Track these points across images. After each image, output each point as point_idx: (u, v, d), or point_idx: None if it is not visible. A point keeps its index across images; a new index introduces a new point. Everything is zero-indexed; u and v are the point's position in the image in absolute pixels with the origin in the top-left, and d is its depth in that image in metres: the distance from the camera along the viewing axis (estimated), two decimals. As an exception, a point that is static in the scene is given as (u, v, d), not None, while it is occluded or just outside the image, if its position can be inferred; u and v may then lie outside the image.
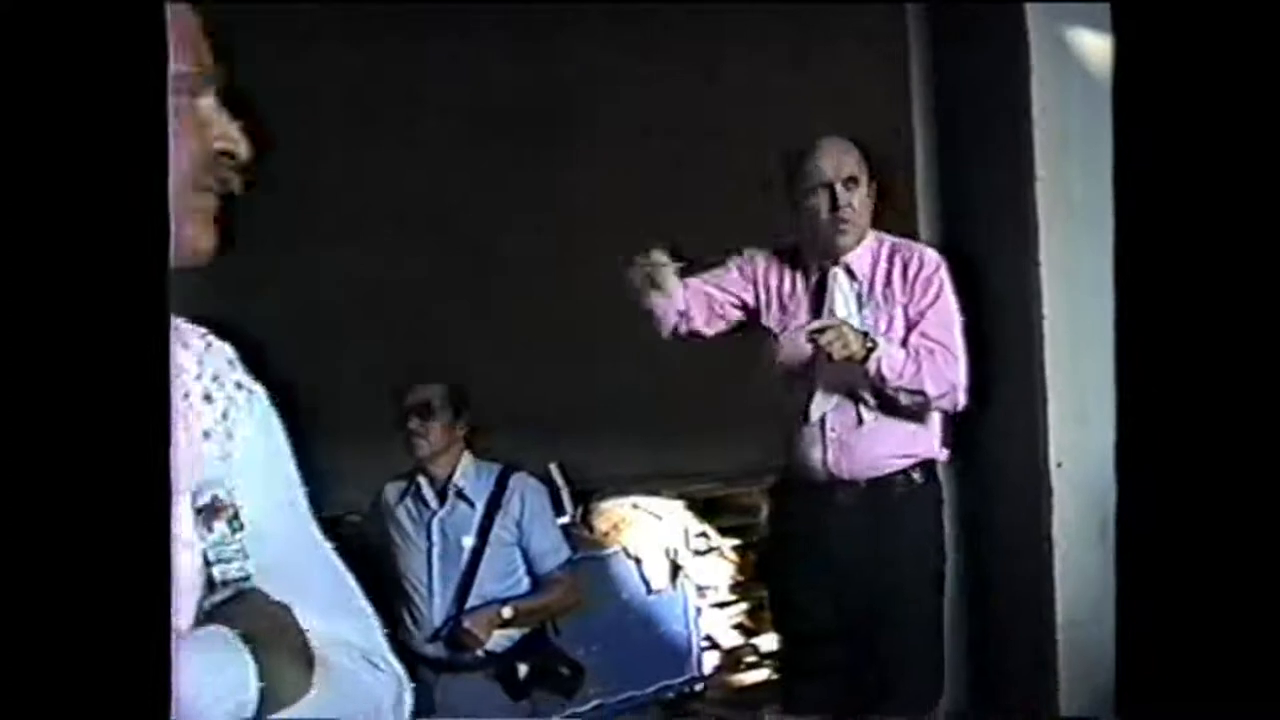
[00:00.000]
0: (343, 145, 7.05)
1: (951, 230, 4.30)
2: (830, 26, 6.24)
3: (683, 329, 3.95)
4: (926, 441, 3.90)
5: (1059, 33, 4.10)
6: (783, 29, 6.57)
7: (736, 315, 4.02)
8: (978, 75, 4.25)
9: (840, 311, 3.86)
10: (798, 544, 3.99)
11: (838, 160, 3.86)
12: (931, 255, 3.90)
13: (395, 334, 6.68)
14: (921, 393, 3.75)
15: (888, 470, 3.85)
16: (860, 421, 3.84)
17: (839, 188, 3.84)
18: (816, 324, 3.75)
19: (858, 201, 3.85)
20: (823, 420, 3.86)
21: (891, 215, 4.00)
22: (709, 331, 3.98)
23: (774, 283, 4.01)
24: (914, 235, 4.17)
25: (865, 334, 3.72)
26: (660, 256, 3.79)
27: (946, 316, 3.82)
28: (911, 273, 3.85)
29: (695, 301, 3.94)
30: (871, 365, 3.70)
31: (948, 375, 3.77)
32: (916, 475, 3.88)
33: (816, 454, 3.87)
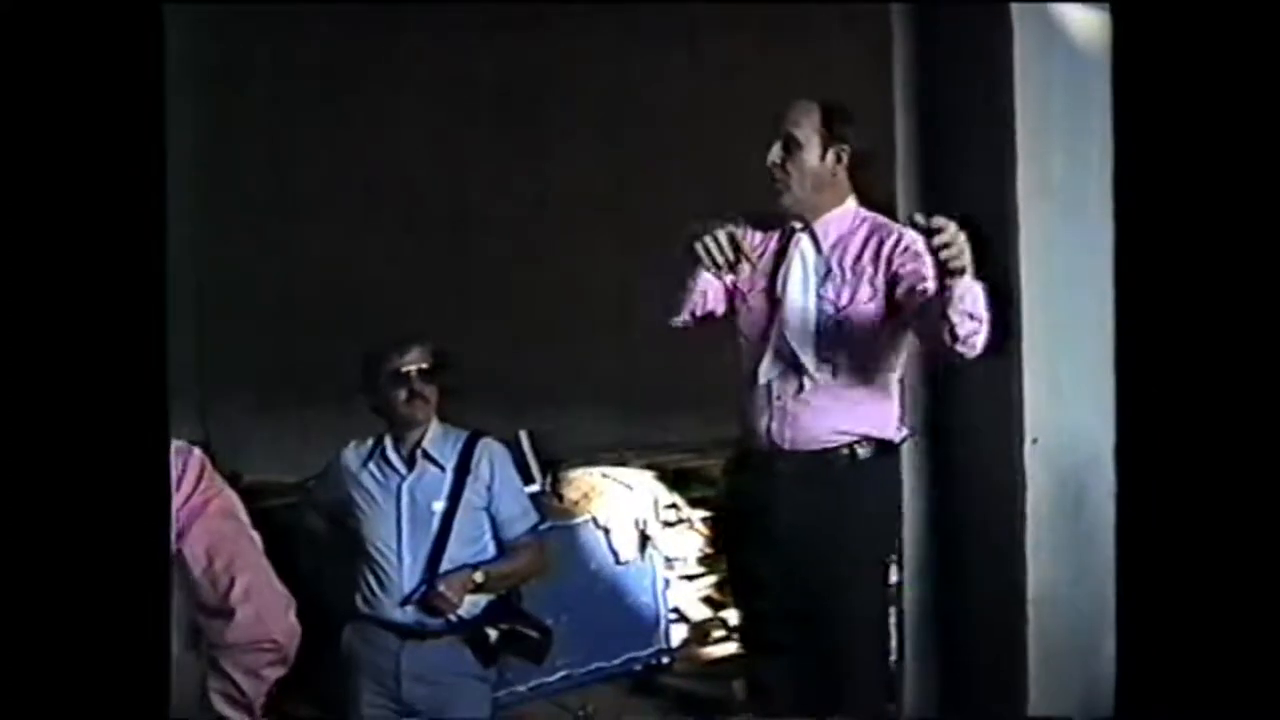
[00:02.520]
0: (323, 123, 7.03)
1: (930, 209, 4.27)
2: (814, 9, 6.21)
3: (699, 310, 3.92)
4: (878, 418, 3.85)
5: (1043, 16, 4.09)
6: (766, 11, 6.54)
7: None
8: (961, 57, 4.23)
9: (796, 277, 3.84)
10: (748, 518, 3.97)
11: (786, 118, 3.85)
12: (913, 235, 3.80)
13: (369, 304, 6.66)
14: (979, 318, 3.57)
15: (830, 444, 3.80)
16: (801, 389, 3.80)
17: (776, 145, 3.84)
18: (937, 221, 3.42)
19: (792, 163, 3.82)
20: (769, 386, 3.83)
21: (873, 189, 3.98)
22: (720, 310, 3.95)
23: (753, 242, 3.97)
24: (893, 213, 4.14)
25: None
26: (735, 230, 3.69)
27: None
28: (888, 249, 3.80)
29: (711, 282, 3.91)
30: (966, 279, 3.46)
31: (984, 303, 3.58)
32: (863, 451, 3.82)
33: (762, 422, 3.85)
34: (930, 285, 3.61)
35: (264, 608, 2.68)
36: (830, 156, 3.84)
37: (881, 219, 3.91)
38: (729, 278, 3.85)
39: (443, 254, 7.06)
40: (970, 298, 3.55)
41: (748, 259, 3.71)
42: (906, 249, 3.77)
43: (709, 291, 3.90)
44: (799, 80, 5.93)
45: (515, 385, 6.34)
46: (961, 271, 3.47)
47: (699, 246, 3.65)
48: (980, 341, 3.65)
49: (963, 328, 3.58)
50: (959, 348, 3.63)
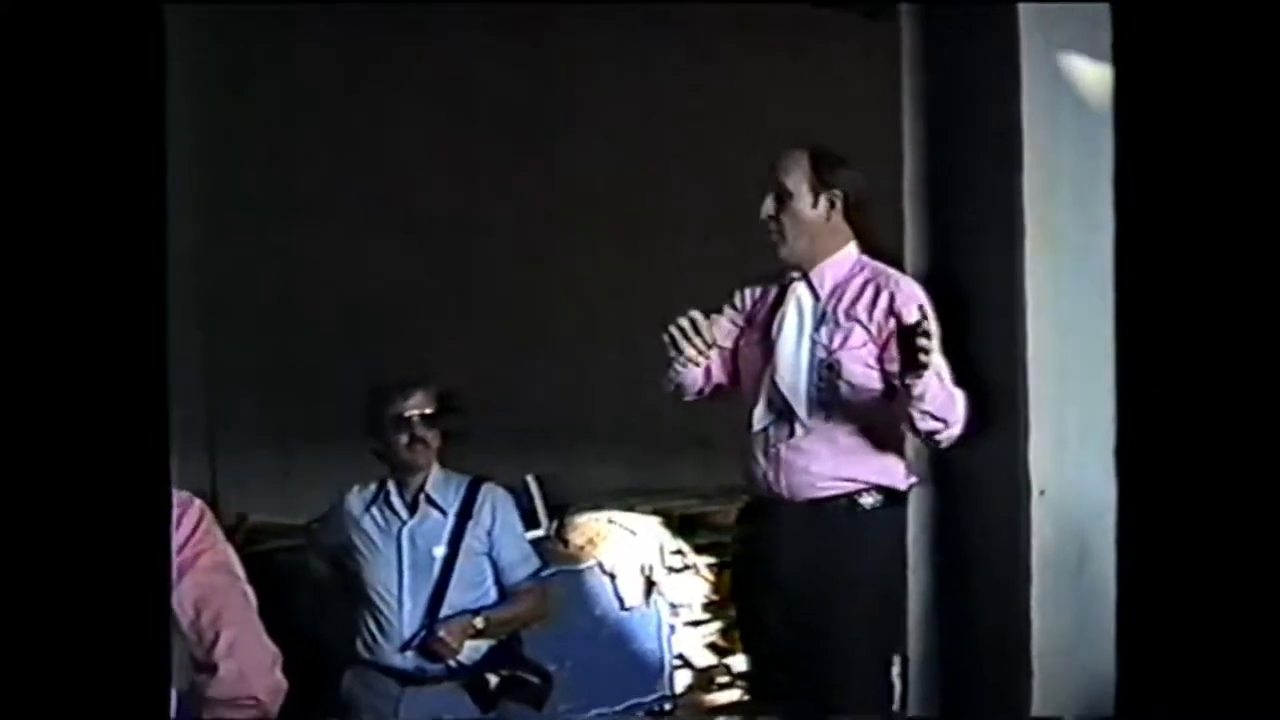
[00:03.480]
0: (325, 139, 7.00)
1: (936, 253, 4.26)
2: (822, 37, 6.21)
3: (707, 389, 3.97)
4: (881, 466, 3.84)
5: (1051, 47, 4.07)
6: (768, 13, 6.53)
7: None
8: (968, 88, 4.21)
9: (790, 324, 3.85)
10: (753, 565, 3.99)
11: (775, 170, 3.88)
12: (915, 293, 3.82)
13: (372, 341, 6.63)
14: (944, 421, 3.69)
15: (828, 492, 3.80)
16: (793, 434, 3.79)
17: (769, 198, 3.85)
18: (928, 326, 3.55)
19: (785, 214, 3.83)
20: (766, 433, 3.84)
21: (874, 233, 3.97)
22: (729, 382, 3.97)
23: (754, 297, 4.00)
24: (899, 254, 4.13)
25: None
26: (698, 315, 3.72)
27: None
28: (884, 302, 3.80)
29: (715, 358, 3.91)
30: (928, 378, 3.57)
31: (959, 410, 3.72)
32: (865, 501, 3.82)
33: (759, 469, 3.86)
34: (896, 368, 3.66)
35: (247, 664, 2.68)
36: (823, 203, 3.85)
37: (881, 266, 3.91)
38: (720, 346, 3.86)
39: (448, 291, 7.02)
40: (931, 397, 3.62)
41: (707, 344, 3.71)
42: (898, 313, 3.76)
43: (711, 367, 3.92)
44: (805, 86, 5.95)
45: (521, 428, 6.31)
46: (920, 369, 3.52)
47: (666, 338, 3.68)
48: (948, 437, 3.75)
49: (923, 424, 3.68)
50: (925, 440, 3.72)
